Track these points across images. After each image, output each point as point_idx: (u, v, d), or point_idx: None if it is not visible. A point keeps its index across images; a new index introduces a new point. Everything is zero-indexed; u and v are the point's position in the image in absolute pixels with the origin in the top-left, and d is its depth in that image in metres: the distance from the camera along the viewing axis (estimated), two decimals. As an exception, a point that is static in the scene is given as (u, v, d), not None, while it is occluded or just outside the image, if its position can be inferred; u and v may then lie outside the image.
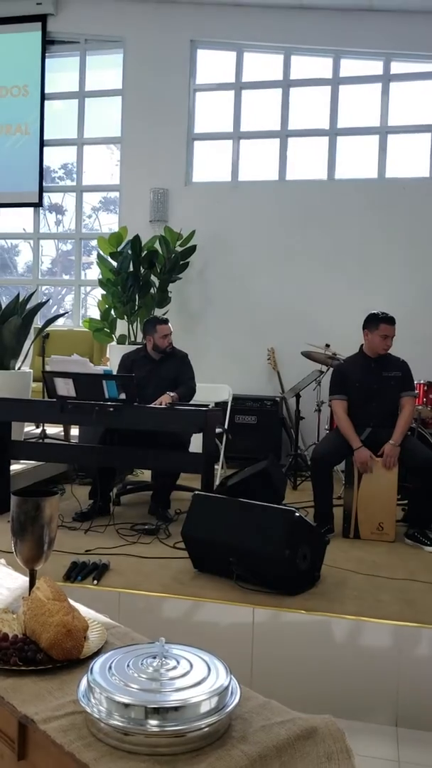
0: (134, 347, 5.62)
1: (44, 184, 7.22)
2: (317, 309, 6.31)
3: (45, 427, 5.31)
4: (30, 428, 5.55)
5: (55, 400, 3.95)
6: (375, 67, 6.48)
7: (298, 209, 6.49)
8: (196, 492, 3.35)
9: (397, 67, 6.43)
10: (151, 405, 4.05)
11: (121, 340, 6.23)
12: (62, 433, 5.55)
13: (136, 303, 6.17)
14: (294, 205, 6.50)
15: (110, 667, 1.21)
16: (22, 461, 4.65)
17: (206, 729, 1.11)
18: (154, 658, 1.24)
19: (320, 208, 6.44)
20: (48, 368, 4.00)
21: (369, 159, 6.49)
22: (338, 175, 6.58)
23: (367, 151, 6.51)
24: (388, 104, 6.45)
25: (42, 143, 7.16)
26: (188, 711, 1.12)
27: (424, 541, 3.76)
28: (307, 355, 5.52)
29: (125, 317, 6.22)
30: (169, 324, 4.46)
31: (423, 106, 6.37)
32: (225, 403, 5.31)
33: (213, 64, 6.90)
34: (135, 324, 6.25)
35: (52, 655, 1.35)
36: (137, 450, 4.09)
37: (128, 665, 1.22)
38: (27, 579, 1.90)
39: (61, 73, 7.27)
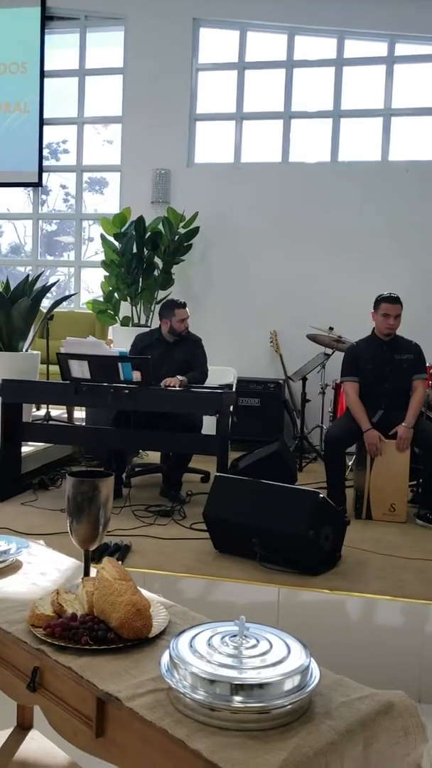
0: (137, 329, 5.60)
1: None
2: (320, 292, 6.31)
3: (49, 410, 5.30)
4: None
5: (68, 382, 3.93)
6: (380, 48, 6.43)
7: (301, 191, 6.46)
8: (218, 474, 3.37)
9: (401, 49, 6.39)
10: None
11: (125, 322, 6.20)
12: (65, 415, 5.54)
13: (140, 285, 6.14)
14: (297, 187, 6.47)
15: (191, 645, 1.22)
16: (30, 444, 4.63)
17: (289, 706, 1.13)
18: (234, 636, 1.25)
19: (323, 190, 6.41)
20: (63, 350, 3.97)
21: (373, 141, 6.47)
22: (341, 157, 6.55)
23: (371, 134, 6.48)
24: (392, 86, 6.41)
25: (42, 122, 7.05)
26: (273, 689, 1.14)
27: (436, 522, 3.82)
28: (313, 338, 5.53)
29: (128, 299, 6.19)
30: (187, 308, 4.44)
31: (427, 89, 6.35)
32: (229, 386, 5.33)
33: (216, 43, 6.82)
34: (139, 306, 6.22)
35: (122, 634, 1.36)
36: (152, 432, 4.09)
37: (209, 643, 1.23)
38: (72, 560, 1.91)
39: (61, 50, 7.15)
